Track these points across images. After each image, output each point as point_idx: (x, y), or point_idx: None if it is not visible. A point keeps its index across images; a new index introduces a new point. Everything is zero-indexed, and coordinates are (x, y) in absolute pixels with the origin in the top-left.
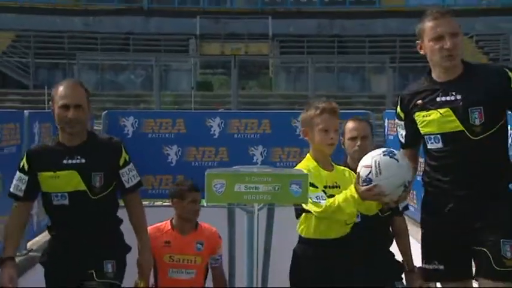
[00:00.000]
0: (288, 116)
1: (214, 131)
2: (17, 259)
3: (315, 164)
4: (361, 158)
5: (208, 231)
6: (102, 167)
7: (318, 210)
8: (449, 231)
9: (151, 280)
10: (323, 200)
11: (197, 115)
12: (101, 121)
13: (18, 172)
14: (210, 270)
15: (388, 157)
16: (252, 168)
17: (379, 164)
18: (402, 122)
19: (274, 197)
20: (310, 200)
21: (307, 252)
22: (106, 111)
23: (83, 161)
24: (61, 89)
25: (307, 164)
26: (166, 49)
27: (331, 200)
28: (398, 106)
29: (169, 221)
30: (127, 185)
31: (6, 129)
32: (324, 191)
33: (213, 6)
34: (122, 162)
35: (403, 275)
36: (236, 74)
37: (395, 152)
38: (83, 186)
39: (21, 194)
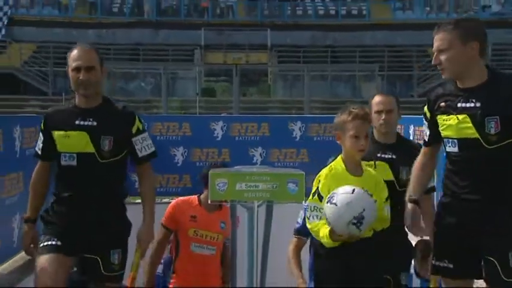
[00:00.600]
0: (285, 120)
1: (218, 133)
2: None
3: (344, 167)
4: (387, 132)
5: (228, 209)
6: (113, 132)
7: (309, 226)
8: (459, 233)
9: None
10: (314, 218)
11: (202, 119)
12: None
13: (39, 132)
14: None
15: (328, 204)
16: (252, 168)
17: (325, 213)
18: (427, 122)
19: (272, 195)
20: (307, 212)
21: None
22: None
23: (95, 123)
24: (74, 52)
25: (335, 166)
26: (173, 58)
27: (315, 225)
28: (426, 106)
29: (196, 196)
30: (140, 154)
31: (27, 132)
32: None
33: (216, 19)
34: (134, 130)
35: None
36: (237, 81)
37: (335, 194)
38: (91, 148)
39: (39, 151)
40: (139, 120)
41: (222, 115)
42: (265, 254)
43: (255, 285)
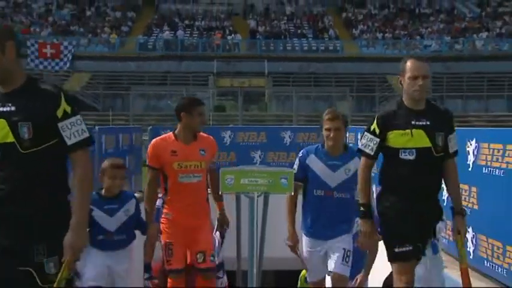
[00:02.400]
0: (279, 130)
1: (226, 140)
2: None
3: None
4: (421, 98)
5: (207, 139)
6: (31, 117)
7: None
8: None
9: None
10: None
11: (214, 129)
12: (147, 133)
13: None
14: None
15: None
16: (253, 167)
17: None
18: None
19: (269, 188)
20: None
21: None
22: (150, 127)
23: (13, 108)
24: None
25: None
26: (193, 83)
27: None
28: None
29: (171, 133)
30: (68, 142)
31: None
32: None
33: (225, 53)
34: (60, 113)
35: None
36: (241, 100)
37: None
38: (11, 138)
39: None
40: (67, 102)
41: (230, 126)
42: (263, 232)
43: (255, 254)
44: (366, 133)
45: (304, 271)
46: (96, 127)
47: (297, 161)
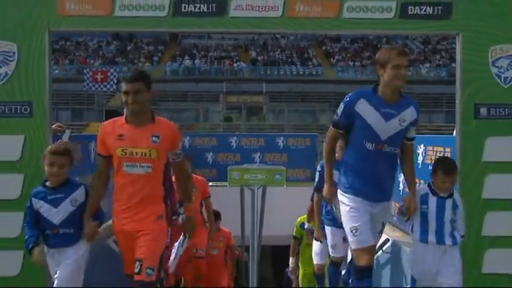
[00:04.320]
0: (274, 136)
1: (233, 144)
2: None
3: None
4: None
5: (165, 124)
6: None
7: None
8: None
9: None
10: None
11: (223, 135)
12: None
13: None
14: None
15: None
16: (254, 166)
17: None
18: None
19: (266, 182)
20: None
21: None
22: None
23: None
24: None
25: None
26: (207, 100)
27: None
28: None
29: (124, 115)
30: None
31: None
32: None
33: (232, 76)
34: None
35: None
36: (245, 113)
37: None
38: None
39: None
40: None
41: (235, 133)
42: (262, 216)
43: (256, 233)
44: None
45: (301, 218)
46: None
47: (341, 106)
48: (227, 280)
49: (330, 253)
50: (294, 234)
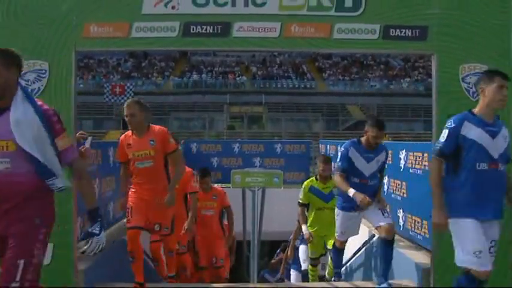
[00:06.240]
0: (272, 143)
1: (236, 150)
2: None
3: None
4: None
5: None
6: None
7: None
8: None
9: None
10: None
11: (227, 142)
12: (181, 146)
13: None
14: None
15: None
16: (254, 169)
17: None
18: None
19: (265, 184)
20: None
21: None
22: (183, 141)
23: None
24: None
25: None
26: (212, 110)
27: None
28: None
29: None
30: None
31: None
32: None
33: (235, 88)
34: None
35: None
36: (246, 122)
37: None
38: None
39: None
40: None
41: (238, 140)
42: (261, 214)
43: (256, 229)
44: None
45: (307, 181)
46: None
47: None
48: (224, 252)
49: (337, 237)
50: (300, 200)
